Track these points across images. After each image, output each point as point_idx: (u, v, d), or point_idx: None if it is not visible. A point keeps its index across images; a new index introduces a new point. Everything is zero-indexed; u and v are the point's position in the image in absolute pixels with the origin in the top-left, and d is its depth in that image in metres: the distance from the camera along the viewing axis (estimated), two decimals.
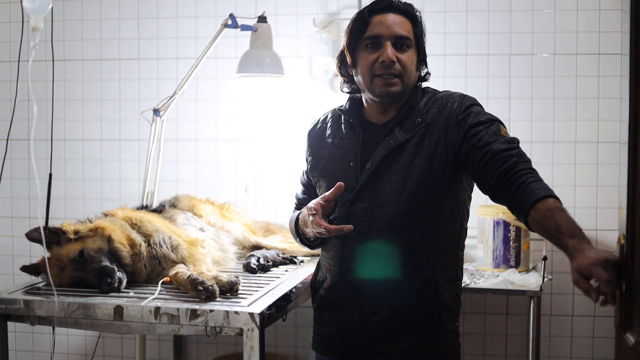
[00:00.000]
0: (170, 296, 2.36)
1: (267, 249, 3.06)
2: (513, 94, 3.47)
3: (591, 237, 2.75)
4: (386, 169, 2.10)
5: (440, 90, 2.22)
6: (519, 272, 3.16)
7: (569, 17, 3.40)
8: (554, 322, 3.48)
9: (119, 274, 2.41)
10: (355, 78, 2.20)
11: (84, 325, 2.34)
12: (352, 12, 2.57)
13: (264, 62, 3.23)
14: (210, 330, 2.22)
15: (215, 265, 2.73)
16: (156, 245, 2.55)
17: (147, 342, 3.64)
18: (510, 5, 3.45)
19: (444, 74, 3.48)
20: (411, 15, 2.16)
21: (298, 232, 2.25)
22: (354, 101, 2.26)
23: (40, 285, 2.50)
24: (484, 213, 3.24)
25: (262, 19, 3.26)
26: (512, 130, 3.25)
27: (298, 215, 2.25)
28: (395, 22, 2.12)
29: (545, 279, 3.04)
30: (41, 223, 2.40)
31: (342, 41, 2.22)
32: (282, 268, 2.88)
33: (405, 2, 2.18)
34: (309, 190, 2.35)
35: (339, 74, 2.27)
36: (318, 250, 2.33)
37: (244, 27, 3.22)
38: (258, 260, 2.82)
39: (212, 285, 2.30)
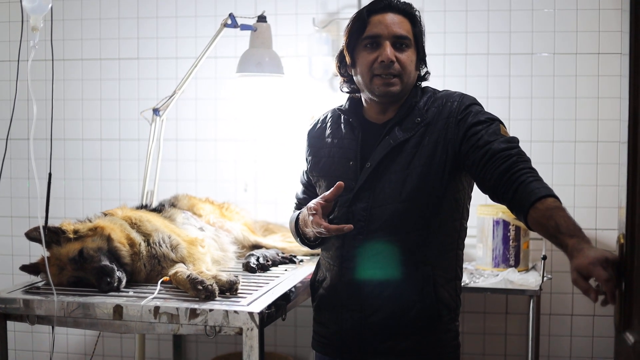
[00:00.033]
0: (170, 295, 2.36)
1: (267, 248, 3.06)
2: (513, 93, 3.47)
3: (591, 236, 2.76)
4: (386, 169, 2.10)
5: (440, 89, 2.22)
6: (519, 271, 3.16)
7: (568, 17, 3.40)
8: (554, 321, 3.48)
9: (118, 274, 2.41)
10: (354, 78, 2.20)
11: (83, 325, 2.34)
12: (351, 12, 2.57)
13: (264, 62, 3.22)
14: (209, 330, 2.22)
15: (215, 265, 2.73)
16: (156, 245, 2.55)
17: (147, 342, 3.64)
18: (510, 5, 3.45)
19: (444, 73, 3.48)
20: (410, 15, 2.16)
21: (298, 232, 2.25)
22: (354, 101, 2.26)
23: (40, 284, 2.50)
24: (483, 212, 3.24)
25: (261, 18, 3.26)
26: (512, 129, 3.24)
27: (298, 215, 2.25)
28: (394, 21, 2.12)
29: (545, 278, 3.04)
30: (41, 222, 2.40)
31: (342, 41, 2.22)
32: (281, 267, 2.88)
33: (404, 2, 2.17)
34: (309, 190, 2.35)
35: (338, 74, 2.27)
36: (318, 250, 2.33)
37: (244, 27, 3.21)
38: (257, 260, 2.82)
39: (211, 285, 2.30)
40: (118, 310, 2.26)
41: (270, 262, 2.86)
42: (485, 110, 2.12)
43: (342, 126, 2.24)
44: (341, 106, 2.28)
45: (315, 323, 2.30)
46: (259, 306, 2.23)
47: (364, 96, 2.21)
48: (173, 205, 3.01)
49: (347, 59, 2.19)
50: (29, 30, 2.36)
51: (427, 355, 2.14)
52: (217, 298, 2.30)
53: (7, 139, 2.80)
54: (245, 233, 3.12)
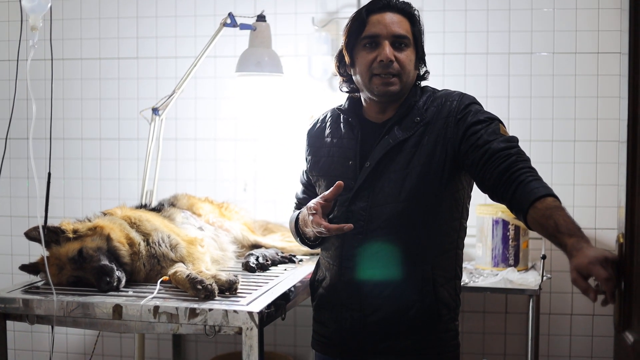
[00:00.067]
0: (169, 295, 2.36)
1: (266, 247, 3.06)
2: (512, 92, 3.47)
3: (590, 235, 2.76)
4: (385, 168, 2.10)
5: (440, 89, 2.22)
6: (518, 270, 3.16)
7: (568, 16, 3.40)
8: (553, 320, 3.48)
9: (118, 273, 2.41)
10: (354, 77, 2.19)
11: (83, 324, 2.34)
12: (351, 11, 2.56)
13: (263, 61, 3.22)
14: (209, 329, 2.21)
15: (214, 264, 2.72)
16: (155, 244, 2.55)
17: (146, 341, 3.64)
18: (509, 4, 3.45)
19: (443, 72, 3.48)
20: (409, 14, 2.15)
21: (298, 231, 2.25)
22: (353, 100, 2.26)
23: (39, 284, 2.50)
24: (483, 212, 3.24)
25: (261, 17, 3.26)
26: (511, 129, 3.24)
27: (298, 214, 2.25)
28: (393, 21, 2.12)
29: (544, 278, 3.04)
30: (40, 222, 2.40)
31: (341, 40, 2.22)
32: (281, 267, 2.88)
33: (403, 1, 2.17)
34: (309, 190, 2.35)
35: (337, 74, 2.27)
36: (317, 250, 2.33)
37: (243, 26, 3.21)
38: (257, 259, 2.82)
39: (211, 284, 2.30)
40: (117, 309, 2.26)
41: (269, 262, 2.86)
42: (485, 109, 2.12)
43: (342, 126, 2.23)
44: (341, 106, 2.28)
45: (315, 322, 2.30)
46: (258, 306, 2.23)
47: (364, 96, 2.21)
48: (172, 204, 3.00)
49: (347, 58, 2.19)
50: (28, 30, 2.36)
51: (426, 354, 2.13)
52: (217, 298, 2.30)
53: (6, 139, 2.80)
54: (244, 232, 3.12)
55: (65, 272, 2.43)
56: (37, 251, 2.50)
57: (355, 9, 2.60)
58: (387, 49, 2.09)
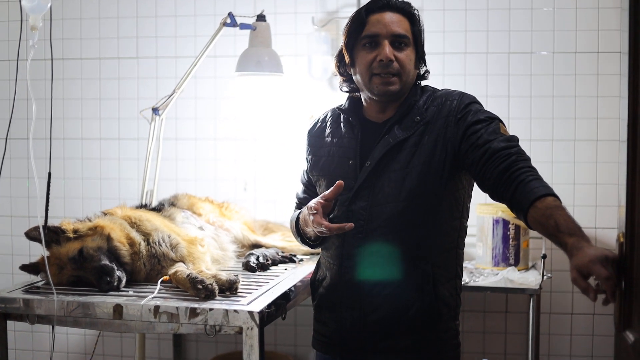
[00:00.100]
0: (170, 295, 2.36)
1: (267, 247, 3.06)
2: (512, 92, 3.47)
3: (590, 235, 2.76)
4: (385, 167, 2.10)
5: (440, 88, 2.22)
6: (519, 270, 3.16)
7: (567, 15, 3.40)
8: (554, 320, 3.48)
9: (118, 273, 2.41)
10: (354, 77, 2.20)
11: (83, 324, 2.34)
12: (351, 11, 2.56)
13: (263, 61, 3.22)
14: (209, 329, 2.21)
15: (215, 264, 2.73)
16: (155, 244, 2.55)
17: (147, 341, 3.64)
18: (509, 4, 3.45)
19: (443, 72, 3.48)
20: (409, 14, 2.15)
21: (299, 231, 2.25)
22: (354, 100, 2.26)
23: (40, 284, 2.50)
24: (483, 211, 3.24)
25: (261, 17, 3.26)
26: (511, 128, 3.23)
27: (298, 214, 2.26)
28: (392, 20, 2.12)
29: (545, 277, 3.04)
30: (40, 222, 2.40)
31: (341, 40, 2.22)
32: (281, 266, 2.88)
33: (403, 1, 2.17)
34: (310, 190, 2.35)
35: (337, 74, 2.27)
36: (318, 249, 2.33)
37: (243, 26, 3.21)
38: (257, 259, 2.82)
39: (211, 284, 2.30)
40: (118, 309, 2.26)
41: (270, 261, 2.86)
42: (485, 109, 2.12)
43: (342, 125, 2.24)
44: (341, 105, 2.28)
45: (316, 322, 2.30)
46: (259, 305, 2.23)
47: (364, 95, 2.21)
48: (173, 204, 3.00)
49: (346, 58, 2.19)
50: (28, 30, 2.35)
51: (427, 353, 2.14)
52: (217, 297, 2.30)
53: (6, 139, 2.80)
54: (245, 232, 3.12)
55: (65, 272, 2.43)
56: (37, 251, 2.50)
57: (355, 9, 2.60)
58: (387, 49, 2.09)
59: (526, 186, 1.85)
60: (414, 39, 2.15)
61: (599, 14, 3.37)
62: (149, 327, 2.27)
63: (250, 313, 2.18)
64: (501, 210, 3.17)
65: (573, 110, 3.41)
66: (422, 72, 2.23)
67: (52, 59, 2.71)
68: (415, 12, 2.18)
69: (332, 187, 2.06)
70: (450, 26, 3.50)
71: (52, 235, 2.45)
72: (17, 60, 2.53)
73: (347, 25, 2.19)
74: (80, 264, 2.41)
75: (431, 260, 2.11)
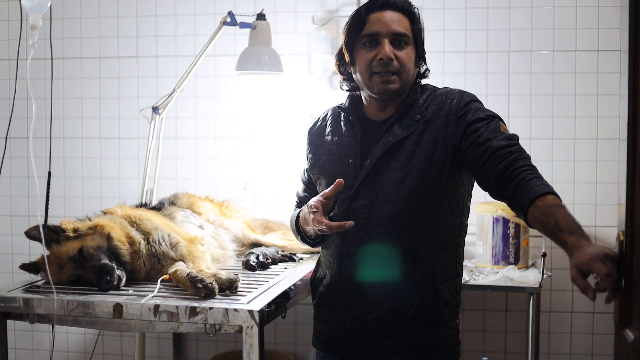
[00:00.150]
0: (170, 294, 2.36)
1: (267, 246, 3.06)
2: (512, 90, 3.47)
3: (590, 233, 2.76)
4: (385, 166, 2.10)
5: (440, 87, 2.22)
6: (518, 268, 3.16)
7: (567, 14, 3.40)
8: (553, 318, 3.48)
9: (118, 272, 2.41)
10: (354, 76, 2.19)
11: (83, 323, 2.34)
12: (351, 10, 2.56)
13: (263, 60, 3.22)
14: (209, 328, 2.22)
15: (215, 263, 2.72)
16: (155, 243, 2.55)
17: (147, 340, 3.64)
18: (509, 2, 3.45)
19: (443, 70, 3.48)
20: (409, 12, 2.15)
21: (299, 230, 2.25)
22: (354, 99, 2.26)
23: (40, 283, 2.50)
24: (483, 210, 3.24)
25: (260, 16, 3.26)
26: (511, 127, 3.24)
27: (299, 213, 2.26)
28: (392, 19, 2.12)
29: (545, 276, 3.04)
30: (40, 221, 2.40)
31: (341, 39, 2.22)
32: (281, 265, 2.88)
33: None
34: (310, 189, 2.35)
35: (338, 72, 2.27)
36: (318, 248, 2.33)
37: (243, 25, 3.21)
38: (257, 258, 2.82)
39: (211, 283, 2.30)
40: (118, 308, 2.26)
41: (270, 260, 2.86)
42: (485, 107, 2.12)
43: (342, 124, 2.24)
44: (341, 104, 2.28)
45: (316, 321, 2.30)
46: (258, 304, 2.23)
47: (364, 94, 2.21)
48: (172, 203, 3.00)
49: (346, 57, 2.19)
50: (28, 29, 2.35)
51: (427, 352, 2.14)
52: (217, 296, 2.30)
53: (6, 138, 2.80)
54: (245, 231, 3.12)
55: (65, 271, 2.43)
56: (37, 250, 2.50)
57: (355, 7, 2.60)
58: (387, 47, 2.09)
59: (526, 185, 1.85)
60: (414, 37, 2.15)
61: (599, 12, 3.37)
62: (149, 326, 2.27)
63: (250, 312, 2.18)
64: (501, 208, 3.17)
65: (573, 109, 3.41)
66: (422, 71, 2.22)
67: (52, 58, 2.71)
68: (415, 10, 2.17)
69: (332, 186, 2.05)
70: (450, 25, 3.50)
71: (52, 235, 2.45)
72: (17, 59, 2.53)
73: (347, 23, 2.19)
74: (80, 263, 2.41)
75: (431, 259, 2.11)
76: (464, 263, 3.21)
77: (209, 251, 2.72)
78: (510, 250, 3.20)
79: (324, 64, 3.49)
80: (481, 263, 3.27)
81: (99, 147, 3.83)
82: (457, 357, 2.19)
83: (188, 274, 2.36)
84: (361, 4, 2.25)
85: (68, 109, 3.82)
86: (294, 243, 3.03)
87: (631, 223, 1.56)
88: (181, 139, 3.75)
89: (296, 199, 2.42)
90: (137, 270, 2.52)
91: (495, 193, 1.96)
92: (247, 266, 2.78)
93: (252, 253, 2.87)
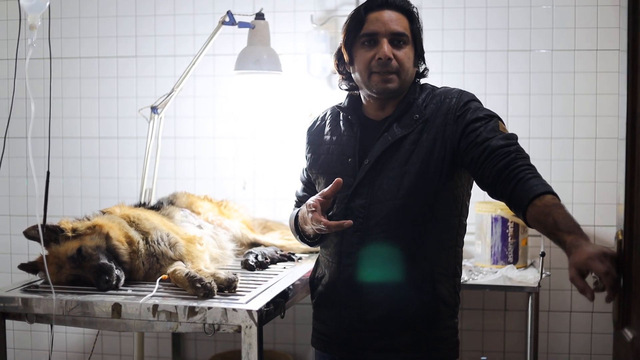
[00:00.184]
0: (169, 293, 2.36)
1: (266, 246, 3.06)
2: (511, 90, 3.47)
3: (589, 233, 2.76)
4: (384, 165, 2.10)
5: (439, 86, 2.22)
6: (517, 268, 3.16)
7: (566, 13, 3.40)
8: (552, 318, 3.48)
9: (117, 272, 2.41)
10: (353, 75, 2.19)
11: (82, 323, 2.33)
12: (349, 9, 2.56)
13: (262, 59, 3.22)
14: (208, 328, 2.21)
15: (214, 263, 2.72)
16: (154, 243, 2.55)
17: (146, 340, 3.64)
18: (508, 2, 3.45)
19: (442, 70, 3.48)
20: (408, 12, 2.15)
21: (298, 229, 2.25)
22: (353, 98, 2.26)
23: (38, 283, 2.50)
24: (482, 209, 3.24)
25: (259, 16, 3.26)
26: (510, 126, 3.22)
27: (298, 212, 2.26)
28: (391, 18, 2.11)
29: (544, 275, 3.04)
30: (39, 221, 2.39)
31: (340, 38, 2.22)
32: (280, 265, 2.88)
33: None
34: (309, 188, 2.35)
35: (337, 72, 2.27)
36: (317, 248, 2.33)
37: (242, 24, 3.21)
38: (256, 258, 2.82)
39: (210, 283, 2.30)
40: (117, 308, 2.26)
41: (268, 260, 2.86)
42: (484, 106, 2.12)
43: (341, 123, 2.24)
44: (340, 103, 2.28)
45: (315, 320, 2.30)
46: (257, 304, 2.23)
47: (363, 93, 2.21)
48: (171, 203, 3.00)
49: (345, 56, 2.19)
50: (26, 29, 2.35)
51: (426, 352, 2.14)
52: (216, 296, 2.30)
53: (5, 138, 2.80)
54: (243, 231, 3.11)
55: (64, 271, 2.43)
56: (36, 250, 2.50)
57: (353, 7, 2.60)
58: (386, 47, 2.09)
59: (525, 184, 1.85)
60: (413, 37, 2.15)
61: (598, 11, 3.37)
62: (148, 326, 2.27)
63: (249, 311, 2.18)
64: (500, 208, 3.17)
65: (572, 108, 3.42)
66: (421, 70, 2.23)
67: (50, 58, 2.71)
68: (414, 10, 2.17)
69: (331, 185, 2.05)
70: (449, 24, 3.50)
71: (51, 234, 2.44)
72: (16, 59, 2.53)
73: (346, 23, 2.18)
74: (79, 262, 2.41)
75: (430, 259, 2.11)
76: (463, 262, 3.21)
77: (207, 251, 2.72)
78: (509, 249, 3.20)
79: (323, 64, 3.49)
80: (480, 262, 3.27)
81: (97, 146, 3.83)
82: (456, 356, 2.19)
83: (187, 274, 2.35)
84: (360, 4, 2.25)
85: (67, 108, 3.82)
86: (292, 243, 3.03)
87: (630, 222, 1.56)
88: (180, 139, 3.75)
89: (295, 198, 2.42)
90: (136, 270, 2.52)
91: (494, 192, 1.96)
92: (246, 266, 2.78)
93: (251, 253, 2.86)
